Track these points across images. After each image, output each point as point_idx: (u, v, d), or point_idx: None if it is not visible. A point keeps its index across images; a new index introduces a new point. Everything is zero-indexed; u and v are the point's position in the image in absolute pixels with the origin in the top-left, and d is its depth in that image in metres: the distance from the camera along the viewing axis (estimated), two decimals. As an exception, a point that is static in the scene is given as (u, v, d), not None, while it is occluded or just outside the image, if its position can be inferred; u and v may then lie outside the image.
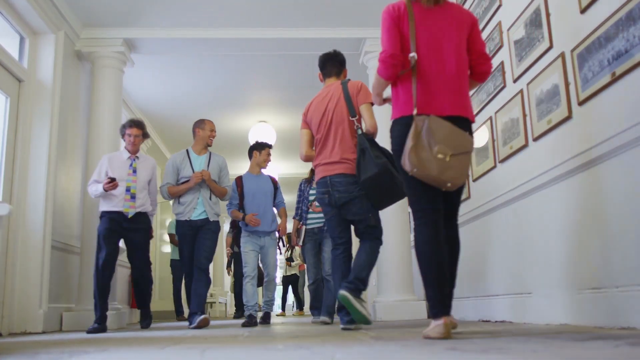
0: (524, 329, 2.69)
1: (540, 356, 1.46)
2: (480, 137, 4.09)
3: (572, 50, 2.84)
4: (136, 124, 4.90)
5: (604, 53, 2.56)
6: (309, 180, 5.50)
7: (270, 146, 5.60)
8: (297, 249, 10.15)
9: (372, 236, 3.53)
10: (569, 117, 2.88)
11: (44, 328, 4.56)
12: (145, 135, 4.98)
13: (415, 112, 2.37)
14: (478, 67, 2.61)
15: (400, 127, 2.45)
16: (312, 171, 5.27)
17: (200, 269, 4.87)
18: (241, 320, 5.98)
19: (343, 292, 3.25)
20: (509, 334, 2.37)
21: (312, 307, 5.73)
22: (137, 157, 4.89)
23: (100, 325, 4.33)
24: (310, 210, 5.47)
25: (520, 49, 3.43)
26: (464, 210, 4.38)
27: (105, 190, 4.52)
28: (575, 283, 2.78)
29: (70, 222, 5.35)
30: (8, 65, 4.49)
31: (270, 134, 8.56)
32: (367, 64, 5.99)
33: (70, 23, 5.23)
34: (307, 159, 3.79)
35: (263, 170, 5.54)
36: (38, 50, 5.01)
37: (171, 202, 5.11)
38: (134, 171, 4.80)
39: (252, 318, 4.97)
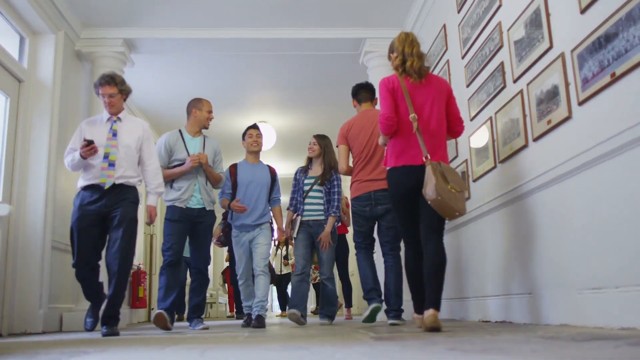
0: (523, 329, 2.69)
1: (540, 356, 1.46)
2: (481, 137, 4.09)
3: (572, 51, 2.83)
4: (107, 80, 3.97)
5: (604, 53, 2.56)
6: (305, 169, 5.08)
7: (253, 127, 5.17)
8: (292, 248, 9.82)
9: (396, 246, 4.31)
10: (569, 118, 2.88)
11: (44, 328, 4.56)
12: (123, 92, 4.05)
13: (428, 157, 3.07)
14: (454, 128, 3.41)
15: (398, 173, 3.21)
16: (310, 159, 5.04)
17: (200, 270, 4.67)
18: (241, 321, 5.97)
19: (392, 321, 4.15)
20: (509, 334, 2.37)
21: (291, 304, 4.74)
22: (119, 119, 4.04)
23: (93, 319, 4.20)
24: (307, 201, 5.01)
25: (520, 49, 3.43)
26: (464, 211, 4.38)
27: (83, 156, 3.76)
28: (575, 283, 2.78)
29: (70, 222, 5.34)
30: (8, 66, 4.49)
31: (271, 134, 8.56)
32: (367, 64, 5.99)
33: (70, 23, 5.23)
34: (346, 172, 4.53)
35: (263, 160, 5.22)
36: (38, 50, 5.01)
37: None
38: (114, 134, 3.94)
39: (250, 318, 4.85)
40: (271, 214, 5.13)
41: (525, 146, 3.39)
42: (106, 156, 3.86)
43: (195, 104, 4.72)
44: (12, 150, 4.62)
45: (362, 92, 4.68)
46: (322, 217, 4.92)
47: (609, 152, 2.50)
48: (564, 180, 2.91)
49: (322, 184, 4.92)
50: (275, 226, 5.40)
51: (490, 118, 3.88)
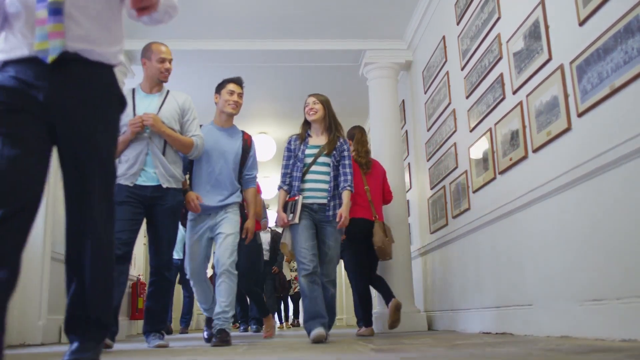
0: (524, 341, 2.68)
1: (541, 369, 1.45)
2: (480, 148, 4.10)
3: (571, 62, 2.85)
4: None
5: (603, 65, 2.57)
6: (302, 137, 3.95)
7: (236, 80, 4.01)
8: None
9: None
10: (568, 129, 2.89)
11: (43, 340, 4.54)
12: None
13: (376, 217, 4.63)
14: (386, 197, 4.92)
15: (355, 226, 4.27)
16: (308, 123, 3.98)
17: (158, 271, 3.63)
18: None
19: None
20: (510, 346, 2.36)
21: (309, 316, 3.79)
22: None
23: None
24: (309, 178, 3.84)
25: (519, 60, 3.45)
26: (464, 222, 4.38)
27: None
28: (576, 294, 2.77)
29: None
30: (9, 77, 4.50)
31: (270, 145, 8.58)
32: (367, 76, 6.01)
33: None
34: None
35: (238, 124, 4.15)
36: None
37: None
38: None
39: (209, 322, 3.89)
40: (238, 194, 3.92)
41: (525, 157, 3.39)
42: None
43: (144, 53, 3.71)
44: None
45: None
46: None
47: (609, 164, 2.50)
48: (564, 191, 2.91)
49: (330, 153, 3.85)
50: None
51: (490, 129, 3.89)
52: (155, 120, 3.48)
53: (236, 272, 3.70)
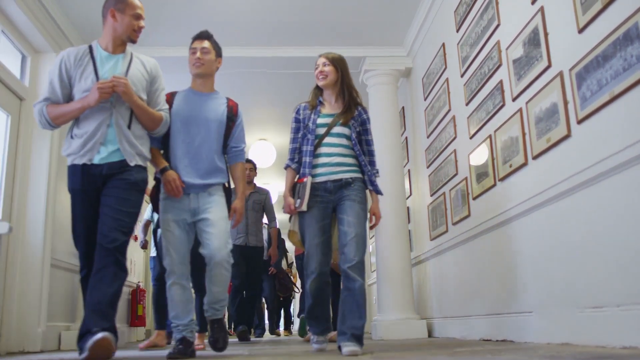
0: (525, 348, 2.67)
1: (542, 376, 1.44)
2: (480, 155, 4.10)
3: (571, 69, 2.85)
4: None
5: (602, 72, 2.58)
6: (313, 105, 3.39)
7: (197, 35, 3.40)
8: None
9: None
10: (568, 136, 2.89)
11: (42, 347, 4.53)
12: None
13: None
14: None
15: None
16: (319, 89, 3.44)
17: (106, 250, 2.76)
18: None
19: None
20: (510, 353, 2.35)
21: (309, 317, 3.39)
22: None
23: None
24: (322, 151, 3.25)
25: (519, 67, 3.45)
26: (464, 229, 4.38)
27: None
28: (576, 301, 2.77)
29: (70, 240, 5.32)
30: (9, 84, 4.51)
31: (270, 152, 8.59)
32: (366, 82, 6.02)
33: (71, 41, 5.26)
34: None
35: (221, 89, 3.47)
36: (39, 69, 5.03)
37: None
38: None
39: (184, 344, 3.07)
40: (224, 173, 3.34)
41: (524, 164, 3.39)
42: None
43: (114, 3, 3.01)
44: (12, 168, 4.62)
45: None
46: (349, 175, 3.22)
47: (609, 170, 2.50)
48: (564, 198, 2.91)
49: (346, 123, 3.28)
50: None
51: (490, 136, 3.89)
52: (128, 86, 2.85)
53: (232, 261, 3.16)
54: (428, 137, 5.47)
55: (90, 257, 2.83)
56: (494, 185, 3.85)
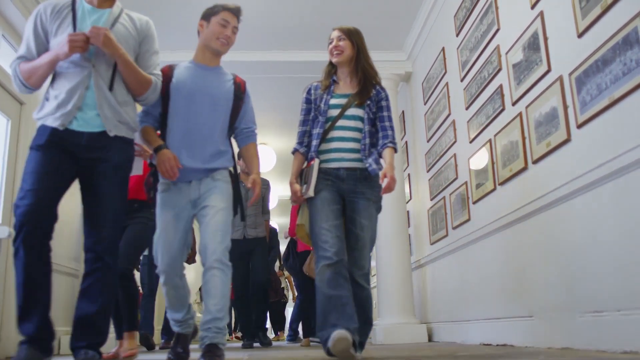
0: (525, 353, 2.67)
1: (542, 381, 1.44)
2: (480, 159, 4.10)
3: (570, 74, 2.86)
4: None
5: (602, 77, 2.58)
6: (326, 84, 3.03)
7: (232, 9, 3.04)
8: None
9: None
10: (568, 140, 2.89)
11: (41, 351, 4.52)
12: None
13: None
14: None
15: None
16: (334, 67, 3.06)
17: (98, 256, 2.44)
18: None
19: None
20: (511, 357, 2.35)
21: (328, 322, 2.58)
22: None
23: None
24: (334, 135, 2.90)
25: (518, 72, 3.46)
26: (464, 233, 4.38)
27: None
28: (577, 306, 2.76)
29: (68, 244, 5.33)
30: (9, 88, 4.51)
31: (271, 156, 8.59)
32: (366, 87, 6.01)
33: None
34: None
35: (227, 64, 3.10)
36: (40, 73, 5.03)
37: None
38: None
39: (180, 342, 2.93)
40: (237, 159, 3.12)
41: (524, 168, 3.39)
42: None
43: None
44: (12, 172, 4.62)
45: None
46: (362, 165, 2.86)
47: (608, 175, 2.50)
48: (564, 202, 2.91)
49: (362, 104, 2.93)
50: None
51: (490, 140, 3.90)
52: (109, 37, 2.41)
53: (230, 264, 2.70)
54: (428, 141, 5.47)
55: (42, 208, 2.32)
56: (494, 189, 3.85)
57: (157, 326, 6.62)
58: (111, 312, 2.53)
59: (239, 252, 4.97)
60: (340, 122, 2.90)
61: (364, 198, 2.83)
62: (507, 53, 3.63)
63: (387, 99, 3.01)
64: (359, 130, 2.91)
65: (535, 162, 3.25)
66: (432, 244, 5.36)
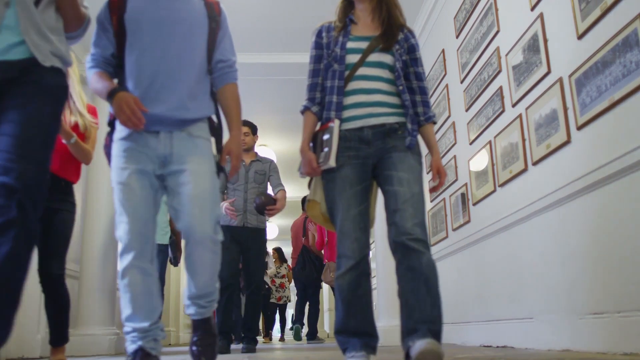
0: (525, 355, 2.67)
1: (542, 383, 1.44)
2: (480, 161, 4.10)
3: (570, 76, 2.86)
4: None
5: (602, 78, 2.58)
6: (341, 25, 2.40)
7: None
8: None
9: None
10: (568, 142, 2.90)
11: (41, 353, 4.52)
12: None
13: None
14: None
15: None
16: (350, 3, 2.43)
17: (21, 205, 1.68)
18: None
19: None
20: (510, 359, 2.35)
21: (341, 331, 2.17)
22: None
23: None
24: (353, 87, 2.28)
25: (518, 74, 3.46)
26: (464, 235, 4.38)
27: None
28: (577, 308, 2.76)
29: (70, 246, 5.33)
30: None
31: (271, 157, 8.59)
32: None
33: (73, 50, 5.27)
34: None
35: None
36: (40, 75, 5.02)
37: None
38: None
39: (141, 355, 2.06)
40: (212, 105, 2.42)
41: (524, 170, 3.39)
42: None
43: None
44: (12, 173, 4.62)
45: None
46: (396, 119, 2.24)
47: (608, 176, 2.50)
48: (564, 204, 2.91)
49: (389, 48, 2.29)
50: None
51: (490, 142, 3.90)
52: None
53: (221, 239, 2.23)
54: (428, 143, 5.47)
55: None
56: (494, 191, 3.85)
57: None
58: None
59: (232, 238, 4.52)
60: (362, 71, 2.27)
61: (397, 150, 2.20)
62: (507, 55, 3.63)
63: (419, 48, 2.39)
64: (385, 80, 2.27)
65: (535, 163, 3.25)
66: (432, 245, 5.36)
